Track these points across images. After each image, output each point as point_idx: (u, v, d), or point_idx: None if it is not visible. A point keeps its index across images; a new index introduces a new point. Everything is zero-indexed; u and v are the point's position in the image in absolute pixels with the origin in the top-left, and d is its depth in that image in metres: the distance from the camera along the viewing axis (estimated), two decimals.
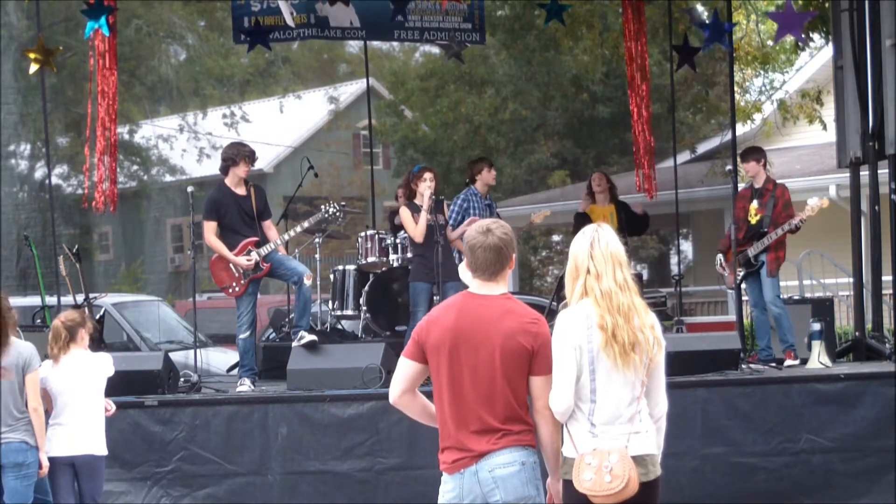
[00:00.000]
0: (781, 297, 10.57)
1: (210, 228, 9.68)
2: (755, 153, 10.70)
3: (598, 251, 4.73)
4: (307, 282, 9.64)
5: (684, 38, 13.03)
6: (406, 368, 4.86)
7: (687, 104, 22.19)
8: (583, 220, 11.09)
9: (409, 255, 10.54)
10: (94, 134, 11.09)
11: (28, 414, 7.22)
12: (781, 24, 11.56)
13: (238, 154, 9.68)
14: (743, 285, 10.63)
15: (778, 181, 10.80)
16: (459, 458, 4.72)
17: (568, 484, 4.67)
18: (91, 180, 11.10)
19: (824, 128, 17.34)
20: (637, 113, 12.49)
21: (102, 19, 10.59)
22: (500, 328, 4.70)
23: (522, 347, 4.67)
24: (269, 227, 9.81)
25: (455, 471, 4.73)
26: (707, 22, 13.21)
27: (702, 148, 21.12)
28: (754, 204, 10.44)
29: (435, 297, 9.91)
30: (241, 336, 9.70)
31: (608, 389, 4.66)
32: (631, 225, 11.46)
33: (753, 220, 10.43)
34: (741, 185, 11.25)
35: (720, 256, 10.68)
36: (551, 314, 4.93)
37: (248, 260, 9.59)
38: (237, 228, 9.68)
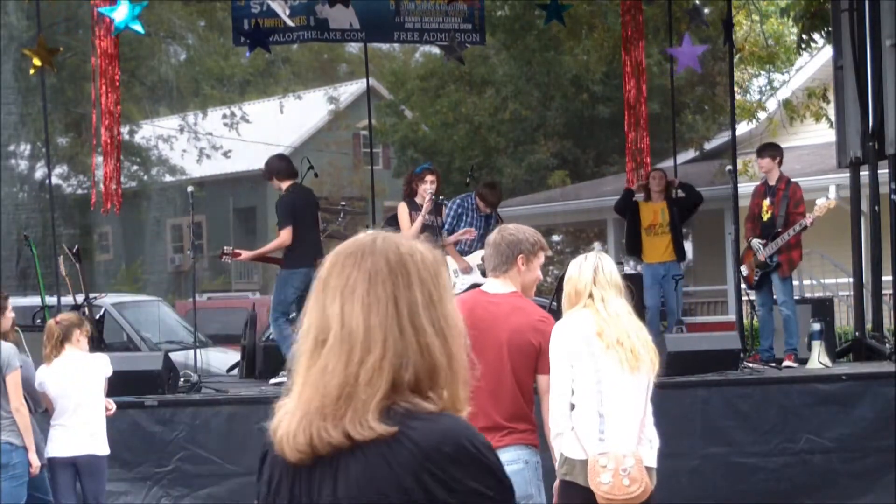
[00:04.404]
0: (793, 298, 10.45)
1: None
2: (770, 149, 10.55)
3: (603, 278, 4.76)
4: None
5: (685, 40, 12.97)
6: None
7: (690, 104, 22.18)
8: (630, 203, 11.37)
9: None
10: (99, 134, 11.08)
11: (13, 415, 7.17)
12: (680, 57, 12.22)
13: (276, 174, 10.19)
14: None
15: (791, 179, 10.60)
16: None
17: (568, 485, 4.66)
18: (98, 180, 11.09)
19: (831, 125, 17.30)
20: (629, 113, 12.47)
21: (132, 17, 10.48)
22: (508, 325, 4.72)
23: (529, 344, 4.69)
24: None
25: None
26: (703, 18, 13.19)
27: (707, 147, 21.12)
28: (766, 201, 10.32)
29: None
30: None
31: (615, 392, 4.65)
32: (683, 213, 11.36)
33: (765, 216, 10.30)
34: (758, 182, 11.06)
35: (757, 241, 10.30)
36: (551, 314, 4.94)
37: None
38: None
